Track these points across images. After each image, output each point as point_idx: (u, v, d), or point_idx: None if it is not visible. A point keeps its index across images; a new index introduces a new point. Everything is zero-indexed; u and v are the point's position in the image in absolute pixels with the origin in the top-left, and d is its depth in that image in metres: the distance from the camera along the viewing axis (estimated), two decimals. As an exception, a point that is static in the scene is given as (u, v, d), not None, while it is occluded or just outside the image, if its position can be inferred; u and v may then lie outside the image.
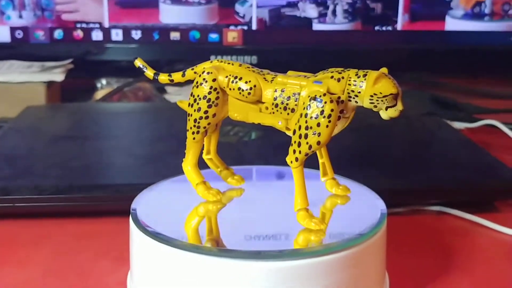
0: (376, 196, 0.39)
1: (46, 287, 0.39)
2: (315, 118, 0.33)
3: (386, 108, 0.34)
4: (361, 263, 0.34)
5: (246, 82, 0.35)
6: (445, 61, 0.88)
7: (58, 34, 0.84)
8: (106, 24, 0.84)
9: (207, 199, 0.38)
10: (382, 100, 0.33)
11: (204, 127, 0.37)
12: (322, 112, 0.33)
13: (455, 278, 0.41)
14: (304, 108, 0.34)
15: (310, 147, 0.34)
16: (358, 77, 0.34)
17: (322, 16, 0.84)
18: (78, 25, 0.84)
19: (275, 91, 0.35)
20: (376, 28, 0.85)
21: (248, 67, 0.37)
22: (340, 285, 0.33)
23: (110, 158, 0.57)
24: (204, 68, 0.38)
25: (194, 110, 0.37)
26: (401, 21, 0.84)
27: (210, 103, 0.36)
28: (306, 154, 0.34)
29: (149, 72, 0.41)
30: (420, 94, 0.86)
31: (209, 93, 0.36)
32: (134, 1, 0.84)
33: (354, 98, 0.34)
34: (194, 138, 0.38)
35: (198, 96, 0.37)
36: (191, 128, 0.38)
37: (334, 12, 0.84)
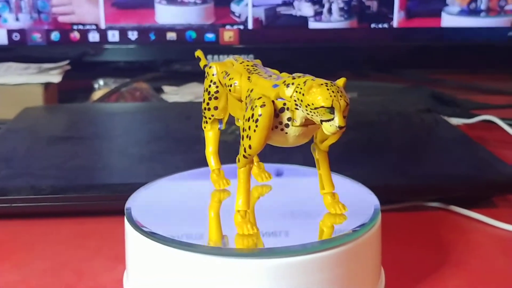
0: (370, 192, 0.39)
1: (43, 286, 0.39)
2: (247, 121, 0.33)
3: (321, 122, 0.31)
4: (355, 259, 0.34)
5: (230, 79, 0.36)
6: (442, 57, 0.88)
7: (55, 36, 0.84)
8: (103, 26, 0.84)
9: (215, 186, 0.40)
10: (314, 112, 0.31)
11: (209, 118, 0.39)
12: (252, 115, 0.32)
13: (452, 273, 0.41)
14: (245, 110, 0.33)
15: (245, 149, 0.33)
16: (304, 85, 0.32)
17: (318, 15, 0.84)
18: (75, 27, 0.84)
19: (247, 90, 0.35)
20: (372, 25, 0.85)
21: (249, 65, 0.36)
22: (335, 281, 0.33)
23: (107, 158, 0.57)
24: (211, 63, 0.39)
25: (202, 101, 0.39)
26: (397, 18, 0.84)
27: (210, 95, 0.39)
28: (245, 157, 0.34)
29: (201, 63, 0.41)
30: (417, 91, 0.86)
31: (209, 86, 0.38)
32: (130, 2, 0.84)
33: (299, 106, 0.32)
34: (204, 127, 0.40)
35: (204, 88, 0.39)
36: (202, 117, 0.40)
37: (329, 10, 0.84)
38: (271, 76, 0.35)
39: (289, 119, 0.33)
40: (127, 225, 0.35)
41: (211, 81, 0.38)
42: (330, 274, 0.33)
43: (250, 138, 0.33)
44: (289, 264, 0.32)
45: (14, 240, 0.46)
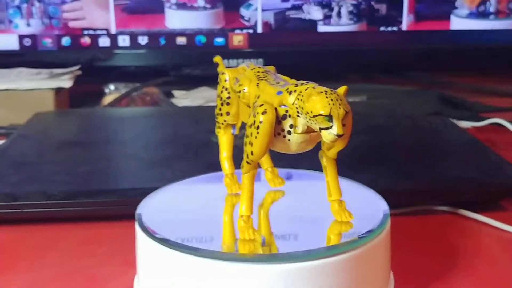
0: (379, 197, 0.39)
1: (54, 291, 0.40)
2: (250, 127, 0.33)
3: (320, 130, 0.32)
4: (364, 264, 0.34)
5: (240, 85, 0.36)
6: (451, 60, 0.88)
7: (65, 41, 0.85)
8: (113, 30, 0.84)
9: (228, 191, 0.40)
10: (313, 120, 0.31)
11: (222, 123, 0.40)
12: (254, 122, 0.33)
13: (461, 277, 0.41)
14: (249, 117, 0.34)
15: (247, 155, 0.34)
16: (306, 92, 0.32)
17: (327, 18, 0.84)
18: (86, 32, 0.84)
19: (255, 97, 0.35)
20: (381, 29, 0.85)
21: (260, 72, 0.37)
22: (345, 286, 0.33)
23: (118, 163, 0.57)
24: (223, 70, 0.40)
25: (215, 106, 0.40)
26: (406, 22, 0.85)
27: (222, 101, 0.39)
28: (248, 162, 0.34)
29: (219, 69, 0.41)
30: (426, 94, 0.86)
31: (221, 92, 0.39)
32: (140, 7, 0.84)
33: (301, 114, 0.32)
34: (218, 132, 0.41)
35: (217, 94, 0.39)
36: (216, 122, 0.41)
37: (339, 14, 0.84)
38: (278, 83, 0.35)
39: (291, 126, 0.33)
40: (138, 230, 0.36)
41: (223, 87, 0.39)
42: (339, 280, 0.33)
43: (252, 145, 0.33)
44: (298, 270, 0.32)
45: (25, 245, 0.46)
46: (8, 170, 0.54)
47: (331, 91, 0.31)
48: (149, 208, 0.38)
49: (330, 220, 0.36)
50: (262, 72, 0.36)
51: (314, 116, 0.31)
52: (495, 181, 0.51)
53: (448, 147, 0.61)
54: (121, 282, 0.40)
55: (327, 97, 0.31)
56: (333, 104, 0.31)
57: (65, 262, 0.43)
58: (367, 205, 0.38)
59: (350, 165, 0.54)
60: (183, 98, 0.87)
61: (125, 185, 0.51)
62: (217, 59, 0.42)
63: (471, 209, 0.50)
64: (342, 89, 0.32)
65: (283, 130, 0.33)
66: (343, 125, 0.31)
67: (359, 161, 0.55)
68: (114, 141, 0.64)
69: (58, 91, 0.79)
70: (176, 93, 0.89)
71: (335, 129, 0.31)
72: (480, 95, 0.90)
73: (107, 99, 0.84)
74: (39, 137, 0.64)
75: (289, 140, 0.33)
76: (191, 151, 0.58)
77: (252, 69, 0.37)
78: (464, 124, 0.74)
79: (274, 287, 0.32)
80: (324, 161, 0.36)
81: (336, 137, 0.31)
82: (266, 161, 0.42)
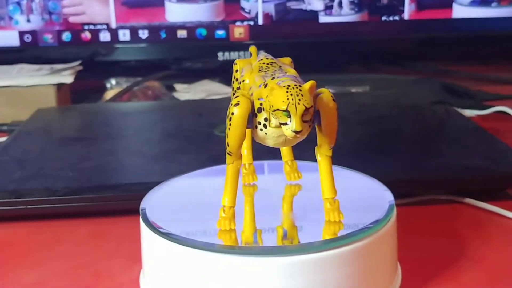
0: (384, 188, 0.39)
1: (60, 287, 0.40)
2: (227, 118, 0.33)
3: (280, 125, 0.31)
4: (371, 255, 0.34)
5: (242, 76, 0.37)
6: (454, 48, 0.88)
7: (66, 36, 0.84)
8: (113, 25, 0.84)
9: (242, 181, 0.40)
10: (274, 114, 0.31)
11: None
12: (228, 114, 0.33)
13: (468, 266, 0.41)
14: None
15: (226, 146, 0.34)
16: None
17: (328, 9, 0.84)
18: (86, 27, 0.84)
19: (249, 89, 0.35)
20: (383, 18, 0.84)
21: (264, 63, 0.36)
22: (351, 277, 0.33)
23: (121, 158, 0.57)
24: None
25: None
26: (408, 11, 0.84)
27: (233, 91, 0.38)
28: (228, 153, 0.34)
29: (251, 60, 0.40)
30: (429, 83, 0.86)
31: (233, 82, 0.39)
32: (140, 1, 0.84)
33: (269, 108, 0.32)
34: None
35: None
36: None
37: (340, 4, 0.84)
38: (274, 76, 0.34)
39: (266, 119, 0.33)
40: (142, 225, 0.36)
41: (234, 77, 0.38)
42: (346, 271, 0.33)
43: (227, 136, 0.33)
44: (305, 262, 0.32)
45: (30, 241, 0.46)
46: (12, 167, 0.54)
47: (295, 85, 0.31)
48: (153, 202, 0.38)
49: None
50: (267, 64, 0.36)
51: (274, 111, 0.31)
52: (501, 170, 0.51)
53: (452, 136, 0.60)
54: (126, 276, 0.40)
55: (287, 92, 0.31)
56: (292, 99, 0.31)
57: (71, 257, 0.43)
58: (373, 196, 0.38)
59: (355, 155, 0.54)
60: (185, 92, 0.86)
61: (128, 179, 0.51)
62: (252, 49, 0.41)
63: (477, 198, 0.49)
64: (307, 84, 0.31)
65: (260, 123, 0.33)
66: (305, 121, 0.31)
67: (364, 151, 0.55)
68: (116, 136, 0.63)
69: (60, 86, 0.79)
70: (177, 86, 0.88)
71: (293, 124, 0.31)
72: (483, 83, 0.89)
73: (109, 94, 0.84)
74: (42, 133, 0.64)
75: (265, 133, 0.33)
76: (194, 144, 0.58)
77: (259, 60, 0.37)
78: (468, 112, 0.73)
79: (280, 280, 0.32)
80: (318, 158, 0.35)
81: (294, 133, 0.31)
82: (286, 154, 0.41)
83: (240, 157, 0.34)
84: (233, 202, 0.35)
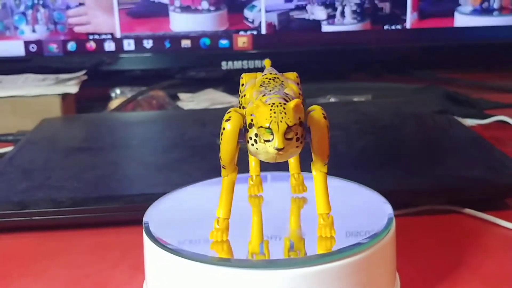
0: (384, 200, 0.39)
1: (64, 298, 0.40)
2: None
3: (264, 142, 0.32)
4: (369, 267, 0.34)
5: (244, 91, 0.37)
6: (455, 57, 0.88)
7: (71, 46, 0.85)
8: (118, 35, 0.85)
9: (247, 192, 0.41)
10: (259, 131, 0.32)
11: None
12: (220, 128, 0.34)
13: (467, 276, 0.41)
14: None
15: (219, 160, 0.34)
16: None
17: (331, 18, 0.85)
18: (91, 37, 0.85)
19: (248, 103, 0.36)
20: (386, 27, 0.85)
21: (266, 79, 0.36)
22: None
23: (125, 168, 0.58)
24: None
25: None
26: (410, 20, 0.85)
27: (239, 104, 0.38)
28: (222, 167, 0.35)
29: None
30: (431, 91, 0.86)
31: (239, 95, 0.38)
32: (145, 11, 0.85)
33: None
34: None
35: None
36: None
37: (342, 13, 0.84)
38: (270, 91, 0.35)
39: (256, 135, 0.33)
40: (145, 238, 0.36)
41: (240, 90, 0.39)
42: (345, 284, 0.33)
43: (220, 150, 0.34)
44: (304, 275, 0.32)
45: (34, 252, 0.47)
46: (17, 177, 0.55)
47: (280, 103, 0.31)
48: (156, 215, 0.38)
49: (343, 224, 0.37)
50: (269, 79, 0.36)
51: (259, 127, 0.32)
52: (501, 180, 0.52)
53: (453, 146, 0.61)
54: (130, 286, 0.41)
55: (271, 109, 0.31)
56: (275, 117, 0.31)
57: (75, 267, 0.44)
58: (372, 208, 0.39)
59: (355, 164, 0.54)
60: (189, 101, 0.87)
61: (133, 190, 0.51)
62: (266, 62, 0.41)
63: (477, 208, 0.50)
64: (292, 103, 0.31)
65: (251, 138, 0.33)
66: (288, 138, 0.31)
67: (364, 160, 0.56)
68: (121, 145, 0.64)
69: (65, 96, 0.80)
70: (181, 96, 0.89)
71: (275, 142, 0.31)
72: (485, 91, 0.90)
73: (114, 104, 0.85)
74: (47, 143, 0.65)
75: (256, 148, 0.33)
76: (198, 154, 0.58)
77: (263, 75, 0.37)
78: (469, 122, 0.74)
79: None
80: (313, 173, 0.36)
81: (276, 150, 0.31)
82: (293, 167, 0.42)
83: (234, 170, 0.35)
84: (227, 214, 0.35)
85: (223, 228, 0.35)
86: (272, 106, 0.31)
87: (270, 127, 0.31)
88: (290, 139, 0.32)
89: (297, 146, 0.33)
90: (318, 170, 0.35)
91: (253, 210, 0.40)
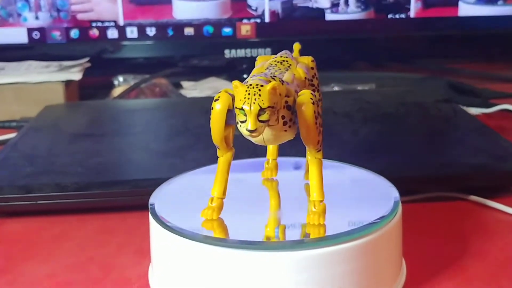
0: (390, 184, 0.39)
1: (69, 281, 0.40)
2: None
3: (239, 122, 0.32)
4: (376, 251, 0.34)
5: (253, 71, 0.37)
6: (459, 47, 0.88)
7: (74, 33, 0.85)
8: (121, 22, 0.85)
9: (262, 175, 0.42)
10: (236, 112, 0.32)
11: None
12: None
13: (472, 263, 0.41)
14: None
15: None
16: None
17: (334, 6, 0.84)
18: (94, 24, 0.85)
19: None
20: (389, 16, 0.85)
21: (275, 61, 0.37)
22: (356, 273, 0.33)
23: (129, 154, 0.57)
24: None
25: None
26: (414, 8, 0.84)
27: None
28: (216, 147, 0.35)
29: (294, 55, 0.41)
30: (435, 81, 0.86)
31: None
32: (148, -2, 0.85)
33: None
34: None
35: None
36: None
37: (346, 2, 0.84)
38: (271, 74, 0.35)
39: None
40: (151, 220, 0.36)
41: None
42: (351, 266, 0.33)
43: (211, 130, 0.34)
44: (310, 257, 0.32)
45: (40, 236, 0.47)
46: (22, 163, 0.54)
47: (257, 85, 0.31)
48: (162, 197, 0.38)
49: (349, 207, 0.37)
50: (277, 62, 0.36)
51: (235, 109, 0.32)
52: (506, 167, 0.52)
53: (458, 134, 0.61)
54: (135, 271, 0.41)
55: (246, 91, 0.31)
56: (248, 99, 0.31)
57: (80, 252, 0.44)
58: (378, 193, 0.39)
59: (361, 152, 0.54)
60: (192, 89, 0.87)
61: (137, 175, 0.51)
62: (296, 45, 0.41)
63: (482, 195, 0.50)
64: (269, 85, 0.31)
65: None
66: (262, 121, 0.31)
67: (369, 148, 0.56)
68: (124, 132, 0.64)
69: (68, 83, 0.80)
70: (184, 84, 0.89)
71: (247, 123, 0.31)
72: (489, 81, 0.90)
73: (117, 91, 0.85)
74: (50, 129, 0.65)
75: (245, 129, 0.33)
76: (202, 141, 0.58)
77: (274, 58, 0.37)
78: (474, 110, 0.74)
79: (286, 275, 0.32)
80: (308, 160, 0.36)
81: (248, 132, 0.31)
82: (270, 152, 0.42)
83: (229, 150, 0.35)
84: (221, 193, 0.36)
85: (215, 207, 0.35)
86: (248, 87, 0.31)
87: (243, 108, 0.31)
88: (265, 121, 0.31)
89: (285, 130, 0.33)
90: (312, 156, 0.35)
91: (270, 193, 0.40)
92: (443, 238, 0.45)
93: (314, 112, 0.33)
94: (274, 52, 0.88)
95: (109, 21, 0.85)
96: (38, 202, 0.49)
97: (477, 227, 0.46)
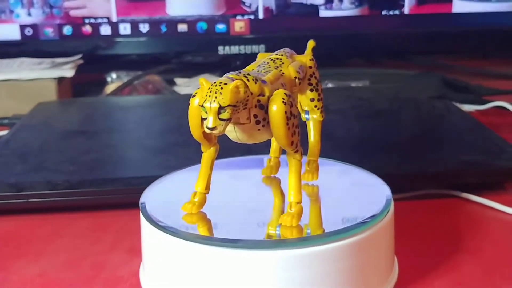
0: (382, 182, 0.39)
1: (60, 279, 0.40)
2: None
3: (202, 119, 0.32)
4: (368, 249, 0.34)
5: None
6: (453, 43, 0.88)
7: (67, 30, 0.85)
8: (114, 19, 0.84)
9: (262, 173, 0.42)
10: (200, 109, 0.32)
11: None
12: None
13: (465, 260, 0.41)
14: None
15: None
16: None
17: (328, 3, 0.84)
18: (87, 21, 0.84)
19: None
20: (384, 12, 0.85)
21: (270, 58, 0.37)
22: (348, 271, 0.33)
23: (121, 152, 0.57)
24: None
25: None
26: (408, 5, 0.84)
27: None
28: (200, 144, 0.35)
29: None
30: (429, 77, 0.86)
31: None
32: (141, -5, 0.84)
33: None
34: None
35: None
36: None
37: (340, -2, 0.84)
38: (257, 71, 0.35)
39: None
40: (142, 219, 0.36)
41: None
42: (343, 264, 0.33)
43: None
44: (303, 255, 0.32)
45: (31, 234, 0.47)
46: (13, 160, 0.54)
47: (221, 83, 0.31)
48: (153, 196, 0.38)
49: (344, 205, 0.37)
50: (269, 59, 0.36)
51: (199, 106, 0.32)
52: (499, 164, 0.51)
53: (451, 131, 0.61)
54: (126, 269, 0.41)
55: (209, 89, 0.31)
56: (209, 97, 0.31)
57: (72, 250, 0.44)
58: (370, 191, 0.39)
59: (353, 149, 0.54)
60: (185, 86, 0.87)
61: (129, 173, 0.51)
62: (310, 42, 0.42)
63: (475, 193, 0.50)
64: (232, 84, 0.31)
65: None
66: (223, 119, 0.31)
67: (362, 145, 0.56)
68: (117, 129, 0.64)
69: (60, 80, 0.79)
70: (178, 80, 0.89)
71: (208, 121, 0.31)
72: (483, 78, 0.90)
73: (110, 88, 0.84)
74: (42, 127, 0.65)
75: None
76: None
77: (270, 55, 0.37)
78: (467, 107, 0.74)
79: (277, 273, 0.32)
80: (288, 160, 0.35)
81: (208, 129, 0.31)
82: (273, 150, 0.42)
83: (212, 145, 0.35)
84: (204, 189, 0.36)
85: (197, 202, 0.36)
86: (212, 85, 0.31)
87: (204, 105, 0.31)
88: (225, 119, 0.31)
89: (259, 129, 0.33)
90: (290, 157, 0.35)
91: (266, 191, 0.40)
92: (435, 236, 0.44)
93: (285, 112, 0.32)
94: (268, 49, 0.88)
95: (102, 18, 0.84)
96: (30, 200, 0.48)
97: (470, 224, 0.46)
